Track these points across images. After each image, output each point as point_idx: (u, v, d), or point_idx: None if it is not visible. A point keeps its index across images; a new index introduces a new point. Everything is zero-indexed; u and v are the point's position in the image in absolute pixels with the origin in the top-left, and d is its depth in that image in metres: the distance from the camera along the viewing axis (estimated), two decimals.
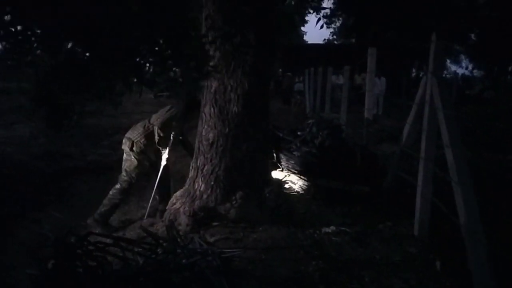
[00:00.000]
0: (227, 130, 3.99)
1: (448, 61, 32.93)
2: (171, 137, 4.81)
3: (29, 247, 3.91)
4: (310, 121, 5.78)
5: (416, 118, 4.22)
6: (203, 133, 4.11)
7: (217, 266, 2.79)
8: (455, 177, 3.16)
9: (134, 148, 4.81)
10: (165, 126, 4.80)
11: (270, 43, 4.13)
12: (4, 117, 13.06)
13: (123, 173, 4.93)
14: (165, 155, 4.87)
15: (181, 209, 4.05)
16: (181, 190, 4.38)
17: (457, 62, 34.13)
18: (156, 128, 4.79)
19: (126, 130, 5.39)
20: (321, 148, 5.07)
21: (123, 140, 4.97)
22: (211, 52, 3.85)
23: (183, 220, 3.90)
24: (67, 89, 2.37)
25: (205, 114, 4.10)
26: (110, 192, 4.93)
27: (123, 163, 4.96)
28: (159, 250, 2.77)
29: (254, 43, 3.88)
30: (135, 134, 4.88)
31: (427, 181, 3.85)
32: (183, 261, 2.53)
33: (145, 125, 4.93)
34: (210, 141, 4.04)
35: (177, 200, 4.25)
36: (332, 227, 3.99)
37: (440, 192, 4.12)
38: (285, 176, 5.04)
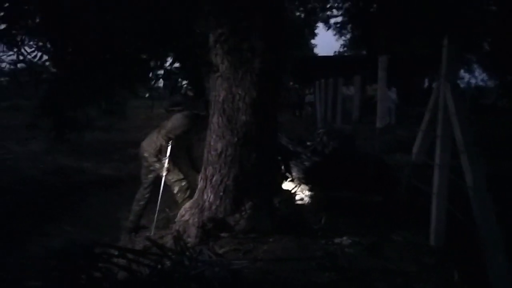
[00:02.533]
0: (235, 139, 3.93)
1: (462, 70, 32.60)
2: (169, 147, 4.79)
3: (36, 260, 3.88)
4: (320, 130, 5.69)
5: (430, 125, 4.11)
6: (212, 143, 4.05)
7: (225, 277, 2.70)
8: (470, 182, 3.06)
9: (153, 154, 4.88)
10: (169, 135, 4.82)
11: (278, 51, 4.09)
12: (17, 133, 13.24)
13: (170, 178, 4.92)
14: (165, 164, 4.81)
15: (190, 221, 3.98)
16: (190, 201, 4.32)
17: (470, 72, 33.75)
18: (162, 135, 4.83)
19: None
20: (332, 158, 4.98)
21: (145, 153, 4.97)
22: (218, 61, 3.83)
23: (191, 231, 3.84)
24: (72, 99, 2.35)
25: (213, 124, 4.05)
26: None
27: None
28: (167, 262, 2.70)
29: (261, 51, 3.84)
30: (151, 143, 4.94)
31: (443, 188, 3.74)
32: (191, 272, 2.46)
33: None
34: (219, 151, 3.98)
35: (186, 211, 4.19)
36: (345, 238, 3.88)
37: (457, 201, 4.01)
38: (296, 186, 4.95)
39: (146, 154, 4.93)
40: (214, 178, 4.02)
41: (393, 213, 4.56)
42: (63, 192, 7.47)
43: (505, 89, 23.95)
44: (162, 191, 4.94)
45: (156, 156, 4.85)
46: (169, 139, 4.81)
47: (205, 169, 4.15)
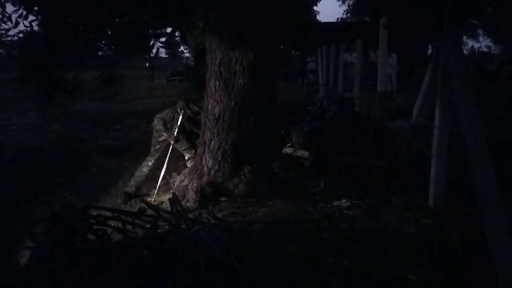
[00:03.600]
0: (233, 103, 3.88)
1: (465, 36, 32.00)
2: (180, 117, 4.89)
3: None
4: (320, 95, 5.61)
5: (430, 86, 4.03)
6: (209, 108, 4.00)
7: (222, 239, 2.71)
8: (469, 142, 3.01)
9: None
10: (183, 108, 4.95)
11: (275, 13, 3.98)
12: (18, 105, 13.23)
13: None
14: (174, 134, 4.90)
15: (189, 186, 3.98)
16: (189, 167, 4.31)
17: (474, 37, 33.13)
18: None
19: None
20: (332, 122, 4.93)
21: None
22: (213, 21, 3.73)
23: (191, 196, 3.84)
24: (59, 59, 2.28)
25: (210, 88, 3.99)
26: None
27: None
28: (164, 223, 2.70)
29: (259, 11, 3.73)
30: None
31: (442, 151, 3.70)
32: (186, 233, 2.46)
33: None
34: (216, 116, 3.93)
35: (185, 177, 4.19)
36: (344, 201, 3.88)
37: (456, 163, 3.98)
38: (295, 151, 4.92)
39: (155, 121, 5.05)
40: (212, 143, 4.00)
41: (393, 176, 4.54)
42: (64, 161, 7.49)
43: (509, 55, 23.59)
44: (168, 159, 4.96)
45: (165, 125, 4.94)
46: (181, 110, 4.90)
47: (203, 134, 4.12)
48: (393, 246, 3.09)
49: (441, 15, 3.66)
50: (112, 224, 2.47)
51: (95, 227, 2.28)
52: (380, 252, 2.98)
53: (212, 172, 3.97)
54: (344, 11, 32.58)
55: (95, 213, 2.67)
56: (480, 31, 31.14)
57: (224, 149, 3.94)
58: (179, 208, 2.76)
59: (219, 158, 3.96)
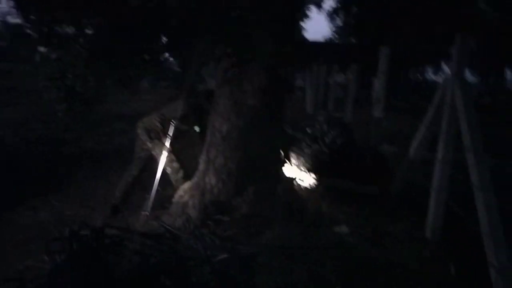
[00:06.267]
0: (241, 123, 3.87)
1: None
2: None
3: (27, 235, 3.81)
4: (320, 118, 5.67)
5: (434, 120, 4.13)
6: (216, 125, 3.97)
7: (233, 262, 2.69)
8: (476, 182, 3.10)
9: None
10: (162, 116, 4.80)
11: (289, 36, 4.02)
12: None
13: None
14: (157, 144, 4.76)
15: (190, 202, 3.93)
16: (190, 182, 4.24)
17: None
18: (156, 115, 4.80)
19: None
20: (332, 147, 4.98)
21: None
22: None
23: (192, 214, 3.79)
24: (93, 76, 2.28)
25: (218, 105, 3.97)
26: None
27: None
28: (179, 246, 2.67)
29: (273, 36, 3.76)
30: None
31: (443, 185, 3.79)
32: (206, 256, 2.43)
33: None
34: (223, 134, 3.91)
35: (185, 193, 4.12)
36: (344, 227, 3.93)
37: (453, 195, 4.09)
38: (295, 173, 4.94)
39: (139, 131, 4.88)
40: (218, 161, 3.95)
41: (387, 204, 4.62)
42: (49, 164, 7.28)
43: (486, 86, 24.41)
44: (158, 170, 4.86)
45: (148, 135, 4.77)
46: (162, 120, 4.72)
47: (207, 151, 4.07)
48: (396, 277, 3.15)
49: (449, 54, 3.79)
50: (127, 244, 2.42)
51: (112, 248, 2.23)
52: (384, 283, 3.03)
53: (216, 190, 3.93)
54: (333, 31, 32.82)
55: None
56: None
57: (229, 168, 3.91)
58: (195, 231, 2.73)
59: (223, 177, 3.92)
